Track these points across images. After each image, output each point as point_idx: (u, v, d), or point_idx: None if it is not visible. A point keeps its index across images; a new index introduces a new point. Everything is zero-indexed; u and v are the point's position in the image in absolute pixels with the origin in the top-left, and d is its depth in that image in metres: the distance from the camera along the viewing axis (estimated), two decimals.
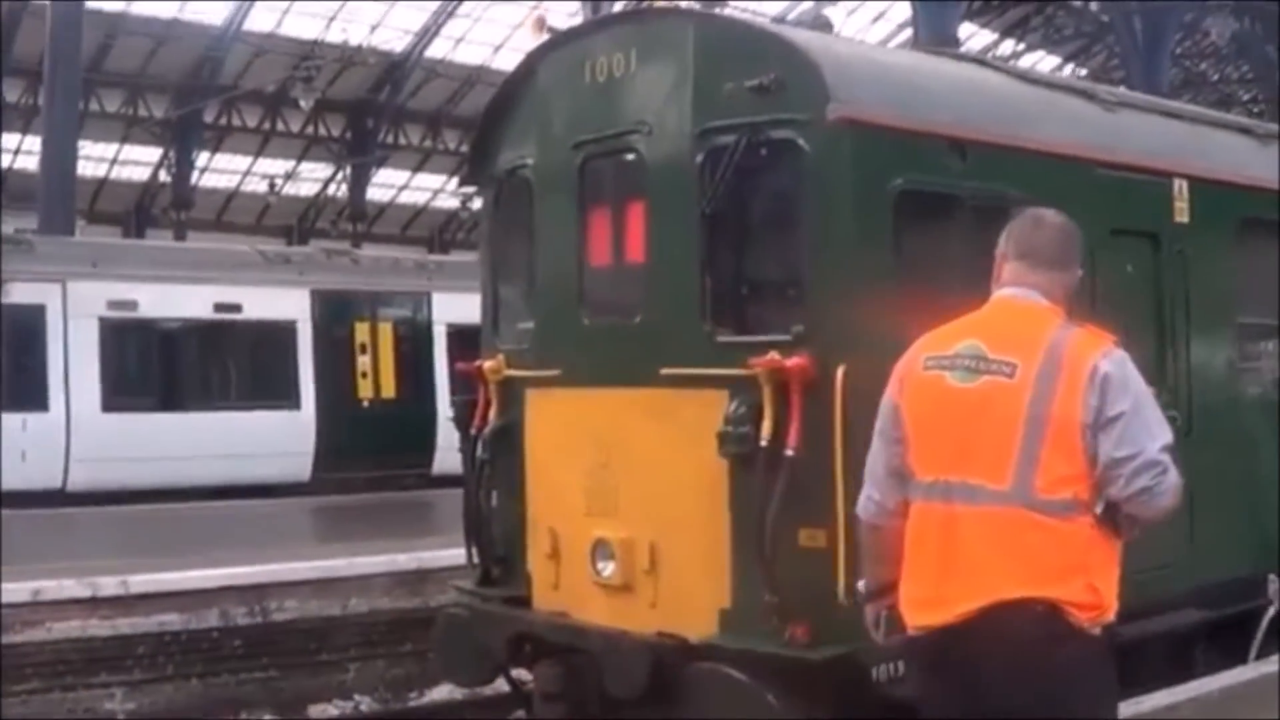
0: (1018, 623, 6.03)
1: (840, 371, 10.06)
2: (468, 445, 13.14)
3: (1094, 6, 58.92)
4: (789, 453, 10.17)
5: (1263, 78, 55.42)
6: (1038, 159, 11.65)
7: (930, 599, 6.28)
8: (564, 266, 12.31)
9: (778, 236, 11.30)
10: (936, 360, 6.49)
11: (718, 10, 12.70)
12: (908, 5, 49.05)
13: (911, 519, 6.47)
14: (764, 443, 10.28)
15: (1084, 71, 61.32)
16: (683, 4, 15.83)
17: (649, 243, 11.60)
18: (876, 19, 62.43)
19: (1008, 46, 62.70)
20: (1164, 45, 44.51)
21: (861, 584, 7.06)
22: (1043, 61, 62.26)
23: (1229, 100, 62.49)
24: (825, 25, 12.70)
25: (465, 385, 28.02)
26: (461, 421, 13.26)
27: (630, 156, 11.79)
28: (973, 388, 6.33)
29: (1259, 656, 13.30)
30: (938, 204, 10.98)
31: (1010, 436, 6.16)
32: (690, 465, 10.93)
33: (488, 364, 12.90)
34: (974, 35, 59.29)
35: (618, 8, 37.34)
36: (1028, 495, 6.10)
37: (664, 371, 11.10)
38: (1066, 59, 64.71)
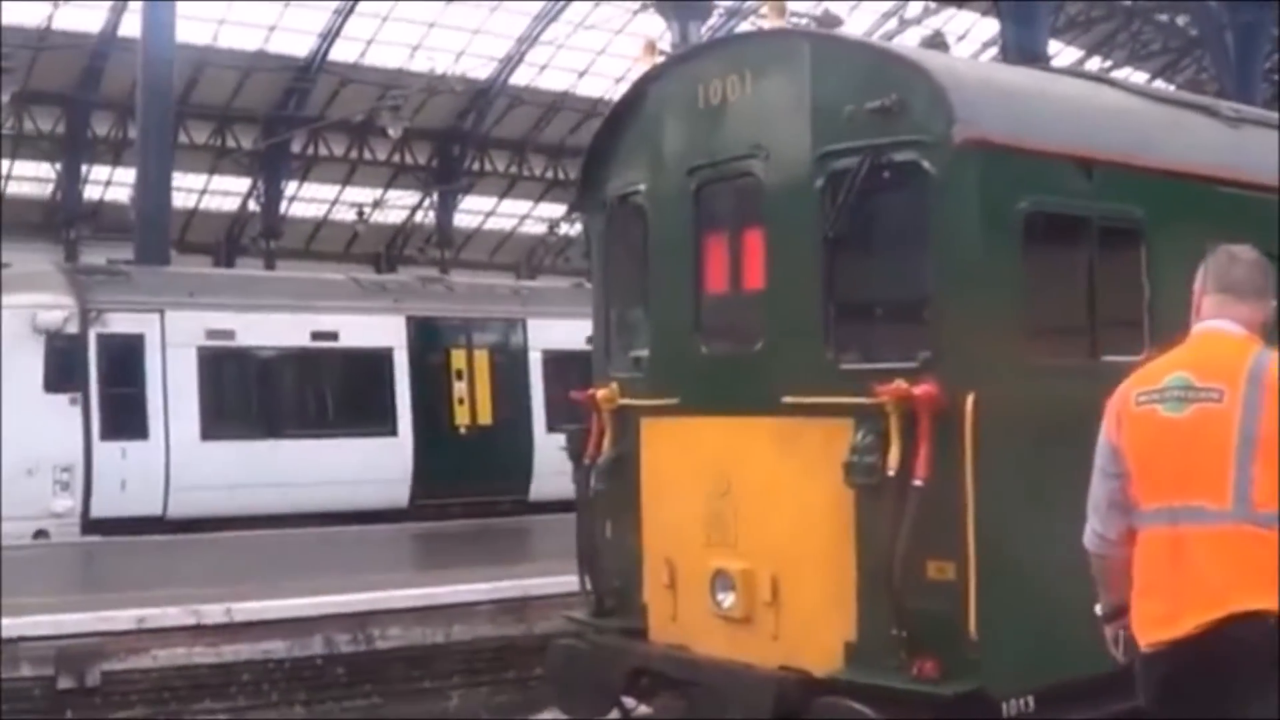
0: (1247, 634, 6.38)
1: (970, 399, 9.87)
2: (581, 475, 12.98)
3: (1181, 21, 58.46)
4: (917, 483, 9.99)
5: None
6: (1163, 178, 11.42)
7: (1163, 616, 6.65)
8: (680, 294, 12.16)
9: (902, 261, 11.07)
10: (1147, 395, 6.88)
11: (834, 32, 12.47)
12: (992, 23, 48.92)
13: (1141, 544, 6.86)
14: (891, 472, 10.11)
15: (1173, 87, 60.75)
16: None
17: (769, 269, 11.43)
18: (961, 37, 61.98)
19: (1094, 63, 62.17)
20: (1257, 59, 44.07)
21: (1097, 608, 7.45)
22: (1131, 78, 61.71)
23: None
24: (941, 45, 12.54)
25: (562, 412, 27.95)
26: (575, 451, 13.10)
27: (747, 181, 11.62)
28: (1185, 417, 6.72)
29: None
30: (1065, 225, 10.80)
31: (1225, 458, 6.55)
32: (814, 495, 10.76)
33: (601, 392, 12.77)
34: (1060, 52, 58.79)
35: (704, 31, 37.25)
36: (1248, 511, 6.48)
37: (786, 400, 10.94)
38: (1154, 74, 64.14)
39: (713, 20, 42.06)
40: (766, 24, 11.86)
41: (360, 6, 52.69)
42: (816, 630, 10.77)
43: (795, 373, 10.96)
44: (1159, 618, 6.67)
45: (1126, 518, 6.96)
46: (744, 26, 50.62)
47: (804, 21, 12.84)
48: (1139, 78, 60.55)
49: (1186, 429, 6.69)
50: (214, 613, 17.32)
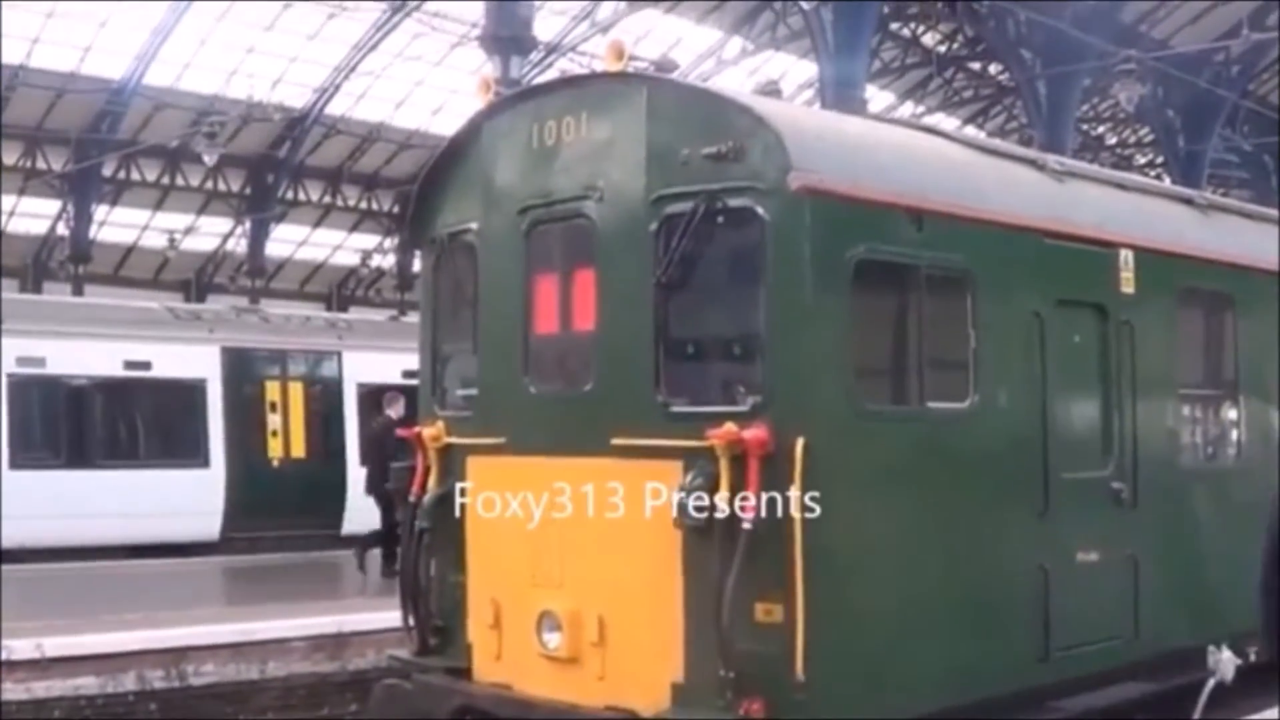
0: None
1: (799, 444, 9.96)
2: (406, 512, 12.90)
3: (994, 69, 59.44)
4: (746, 525, 10.05)
5: (1160, 141, 56.09)
6: (990, 229, 11.65)
7: None
8: (509, 333, 12.14)
9: (734, 306, 11.14)
10: None
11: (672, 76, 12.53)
12: (809, 65, 49.42)
13: None
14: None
15: (983, 134, 61.72)
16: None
17: (600, 310, 11.44)
18: (779, 78, 62.54)
19: (907, 109, 63.04)
20: (1068, 109, 44.99)
21: None
22: (942, 124, 62.40)
23: (1125, 164, 63.21)
24: (775, 92, 12.64)
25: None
26: (400, 489, 13.01)
27: (580, 222, 11.62)
28: None
29: None
30: (894, 273, 10.95)
31: None
32: (642, 536, 10.78)
33: (427, 430, 12.70)
34: (874, 97, 59.58)
35: (525, 67, 37.31)
36: None
37: (615, 441, 10.96)
38: (965, 121, 65.19)
39: (533, 56, 42.08)
40: (602, 65, 11.80)
41: (177, 30, 51.97)
42: (643, 671, 10.79)
43: (625, 414, 10.98)
44: None
45: None
46: (564, 63, 50.92)
47: (643, 65, 12.81)
48: (950, 124, 61.59)
49: None
50: (24, 648, 16.95)
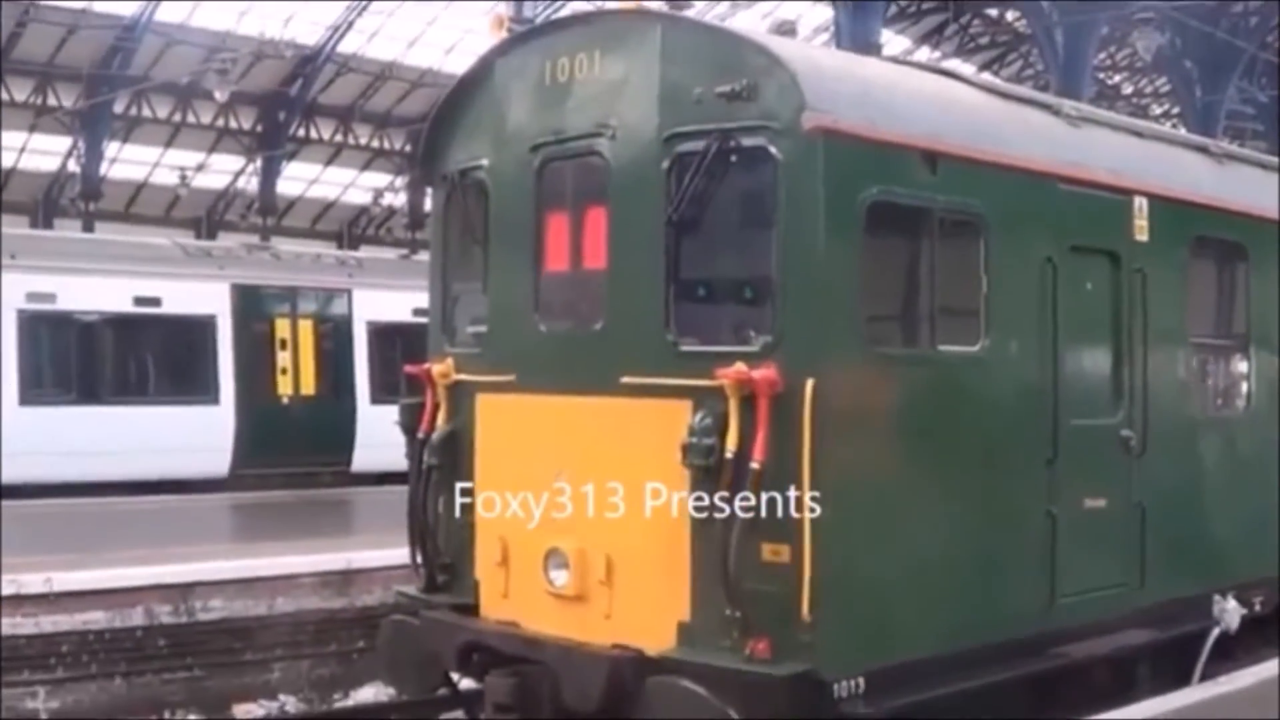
0: None
1: (809, 384, 9.92)
2: (414, 449, 12.87)
3: (1010, 16, 59.22)
4: (754, 465, 10.04)
5: (1177, 91, 55.83)
6: (1004, 173, 11.58)
7: None
8: (519, 271, 12.09)
9: (746, 245, 11.07)
10: None
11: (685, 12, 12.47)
12: (824, 9, 49.25)
13: None
14: (729, 455, 10.14)
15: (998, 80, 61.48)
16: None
17: (611, 248, 11.38)
18: (795, 19, 62.21)
19: (923, 54, 62.83)
20: (1085, 57, 44.72)
21: None
22: (958, 69, 62.03)
23: (1142, 114, 63.01)
24: (790, 32, 12.57)
25: (386, 384, 27.59)
26: (408, 424, 12.98)
27: (592, 160, 11.55)
28: None
29: (1203, 678, 13.29)
30: (907, 216, 10.88)
31: None
32: (650, 475, 10.75)
33: (437, 367, 12.67)
34: (889, 42, 59.38)
35: (539, 6, 37.23)
36: None
37: (624, 380, 10.95)
38: (981, 67, 64.98)
39: None
40: (616, 4, 11.78)
41: None
42: (650, 609, 10.78)
43: (635, 353, 10.96)
44: None
45: None
46: (577, 3, 50.74)
47: (657, 4, 12.76)
48: (966, 70, 61.29)
49: None
50: (33, 582, 17.01)
